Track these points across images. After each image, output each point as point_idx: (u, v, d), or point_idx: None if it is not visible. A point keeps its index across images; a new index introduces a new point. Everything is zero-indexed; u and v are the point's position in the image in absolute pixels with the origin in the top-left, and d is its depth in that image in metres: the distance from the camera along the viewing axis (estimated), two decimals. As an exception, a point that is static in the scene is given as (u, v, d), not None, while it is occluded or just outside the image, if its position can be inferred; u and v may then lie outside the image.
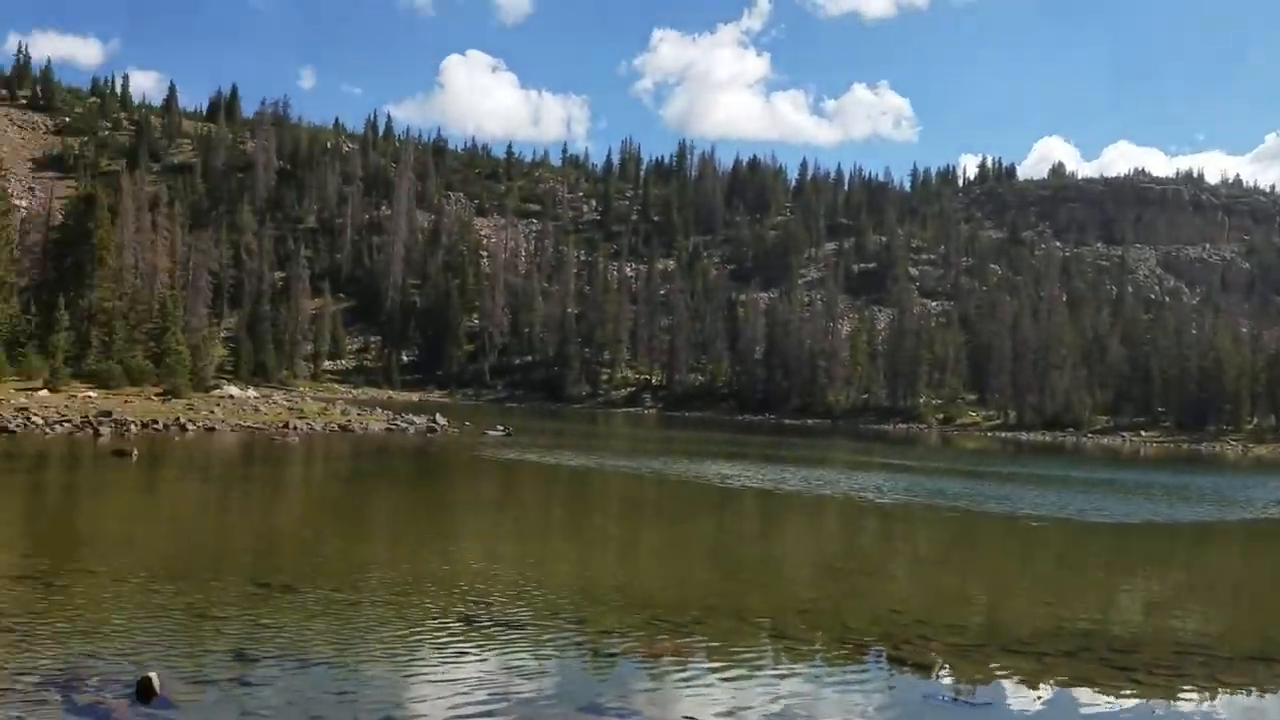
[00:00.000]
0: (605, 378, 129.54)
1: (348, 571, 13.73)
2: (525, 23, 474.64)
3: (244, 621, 10.47)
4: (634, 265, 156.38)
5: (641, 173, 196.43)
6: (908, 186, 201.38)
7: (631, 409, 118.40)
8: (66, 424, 34.87)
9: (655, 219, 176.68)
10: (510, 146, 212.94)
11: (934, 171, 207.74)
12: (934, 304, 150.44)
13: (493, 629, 10.78)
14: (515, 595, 12.61)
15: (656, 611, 12.00)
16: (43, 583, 11.75)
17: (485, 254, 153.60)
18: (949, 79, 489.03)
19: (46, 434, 32.42)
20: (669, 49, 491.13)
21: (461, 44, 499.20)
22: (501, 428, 52.66)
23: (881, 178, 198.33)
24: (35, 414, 35.99)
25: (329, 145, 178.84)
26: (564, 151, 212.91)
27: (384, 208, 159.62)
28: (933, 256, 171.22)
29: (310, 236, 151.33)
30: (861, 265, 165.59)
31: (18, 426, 32.71)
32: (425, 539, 17.73)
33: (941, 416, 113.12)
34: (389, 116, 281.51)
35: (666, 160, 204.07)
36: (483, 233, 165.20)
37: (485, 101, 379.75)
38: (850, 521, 25.02)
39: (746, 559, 17.67)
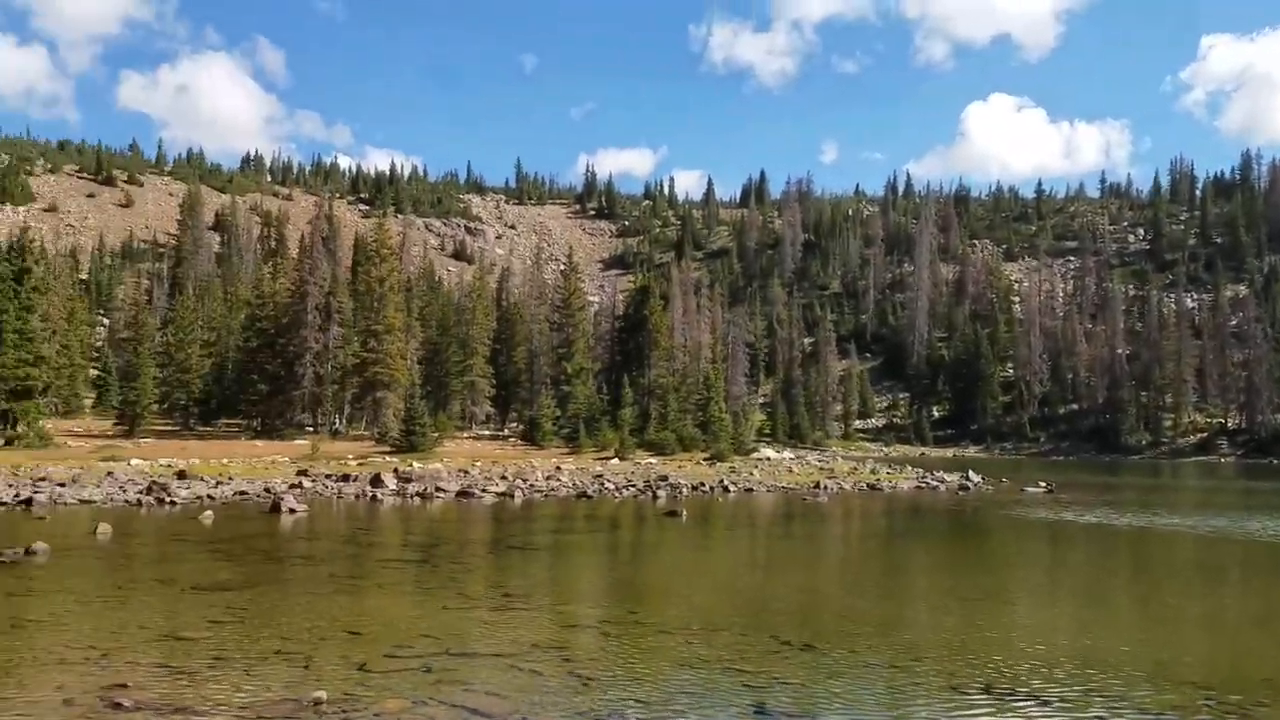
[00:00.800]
0: (1169, 424, 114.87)
1: (866, 632, 13.66)
2: (1050, 57, 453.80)
3: (765, 677, 10.89)
4: (1195, 295, 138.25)
5: (1197, 191, 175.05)
6: None
7: (1204, 458, 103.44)
8: (631, 488, 39.71)
9: (1218, 240, 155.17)
10: (1039, 184, 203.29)
11: None
12: None
13: (1020, 703, 9.97)
14: (1044, 666, 11.55)
15: (1212, 692, 10.25)
16: (601, 632, 13.38)
17: (1017, 299, 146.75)
18: None
19: (616, 498, 37.14)
20: (1222, 54, 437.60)
21: (983, 90, 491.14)
22: (1043, 484, 49.14)
23: None
24: (608, 480, 41.68)
25: (849, 212, 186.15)
26: (1102, 181, 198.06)
27: (905, 264, 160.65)
28: None
29: (835, 301, 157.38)
30: None
31: (594, 492, 37.99)
32: (948, 602, 17.02)
33: None
34: (908, 175, 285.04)
35: (1226, 174, 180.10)
36: (1012, 278, 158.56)
37: (1011, 142, 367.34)
38: None
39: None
